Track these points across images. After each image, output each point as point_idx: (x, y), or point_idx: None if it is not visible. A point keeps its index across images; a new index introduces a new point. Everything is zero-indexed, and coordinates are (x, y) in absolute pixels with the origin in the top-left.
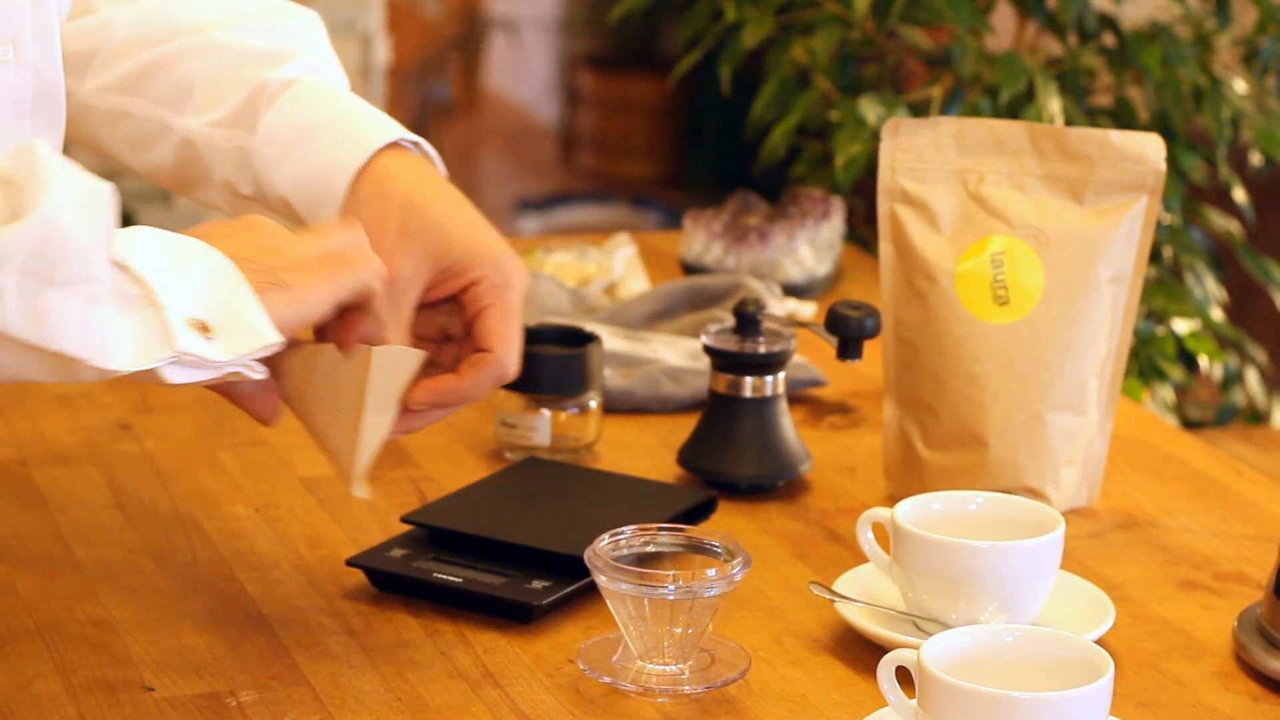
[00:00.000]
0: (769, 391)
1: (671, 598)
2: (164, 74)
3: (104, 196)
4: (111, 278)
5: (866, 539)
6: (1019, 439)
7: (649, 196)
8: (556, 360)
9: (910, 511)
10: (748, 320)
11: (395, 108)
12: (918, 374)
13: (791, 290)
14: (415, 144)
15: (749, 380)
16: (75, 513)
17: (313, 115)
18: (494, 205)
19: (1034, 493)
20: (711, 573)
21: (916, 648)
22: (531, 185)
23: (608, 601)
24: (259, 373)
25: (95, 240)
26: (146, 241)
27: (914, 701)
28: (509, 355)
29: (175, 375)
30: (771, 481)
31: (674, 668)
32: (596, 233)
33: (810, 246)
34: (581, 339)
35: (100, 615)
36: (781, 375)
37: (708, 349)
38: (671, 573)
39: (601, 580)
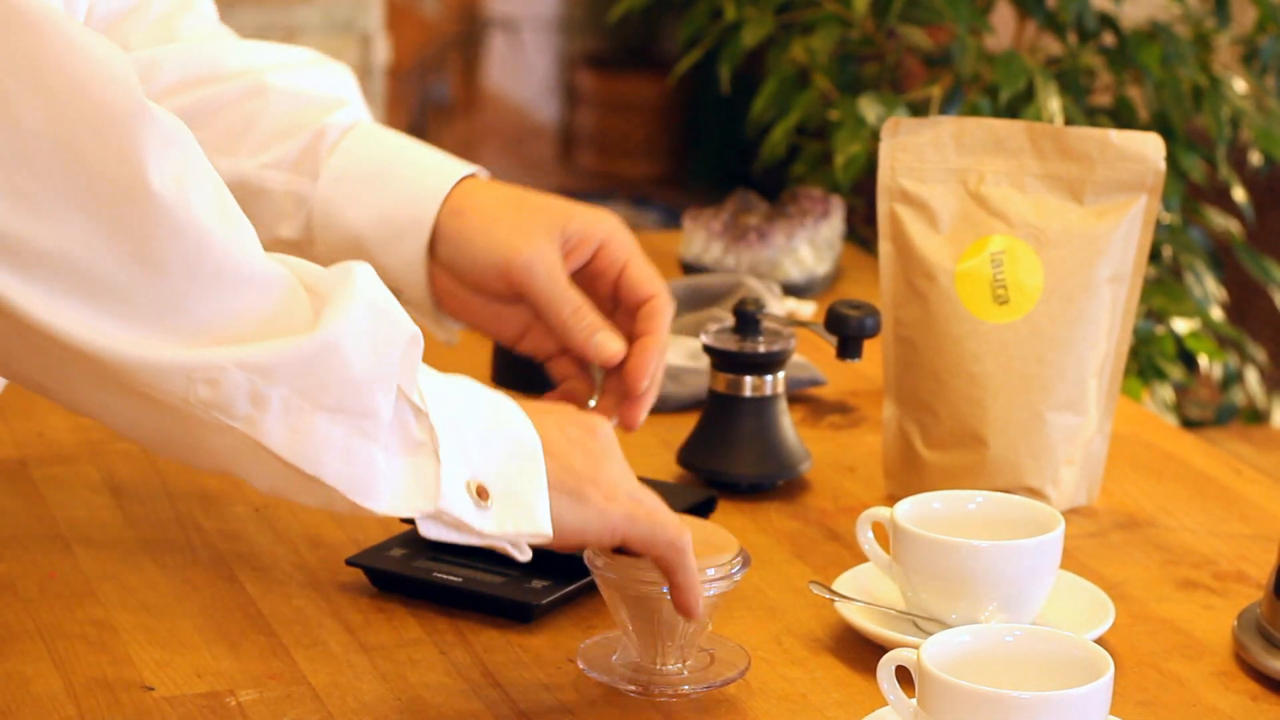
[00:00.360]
0: (769, 391)
1: (671, 597)
2: (214, 117)
3: (404, 333)
4: (397, 418)
5: (866, 538)
6: (1019, 438)
7: (648, 196)
8: None
9: (910, 511)
10: (747, 319)
11: (395, 107)
12: (917, 373)
13: (791, 289)
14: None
15: (749, 380)
16: (75, 512)
17: (383, 154)
18: None
19: (1034, 492)
20: (711, 572)
21: (916, 647)
22: (531, 184)
23: (607, 601)
24: (524, 554)
25: (379, 374)
26: (463, 393)
27: (914, 701)
28: (665, 290)
29: (430, 530)
30: (771, 481)
31: (674, 667)
32: None
33: (810, 246)
34: None
35: (100, 615)
36: (781, 375)
37: (707, 348)
38: None
39: (601, 580)
